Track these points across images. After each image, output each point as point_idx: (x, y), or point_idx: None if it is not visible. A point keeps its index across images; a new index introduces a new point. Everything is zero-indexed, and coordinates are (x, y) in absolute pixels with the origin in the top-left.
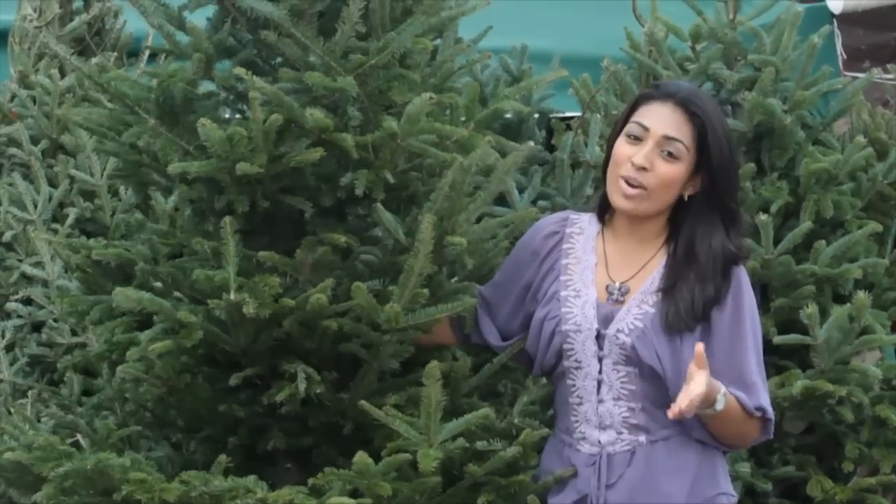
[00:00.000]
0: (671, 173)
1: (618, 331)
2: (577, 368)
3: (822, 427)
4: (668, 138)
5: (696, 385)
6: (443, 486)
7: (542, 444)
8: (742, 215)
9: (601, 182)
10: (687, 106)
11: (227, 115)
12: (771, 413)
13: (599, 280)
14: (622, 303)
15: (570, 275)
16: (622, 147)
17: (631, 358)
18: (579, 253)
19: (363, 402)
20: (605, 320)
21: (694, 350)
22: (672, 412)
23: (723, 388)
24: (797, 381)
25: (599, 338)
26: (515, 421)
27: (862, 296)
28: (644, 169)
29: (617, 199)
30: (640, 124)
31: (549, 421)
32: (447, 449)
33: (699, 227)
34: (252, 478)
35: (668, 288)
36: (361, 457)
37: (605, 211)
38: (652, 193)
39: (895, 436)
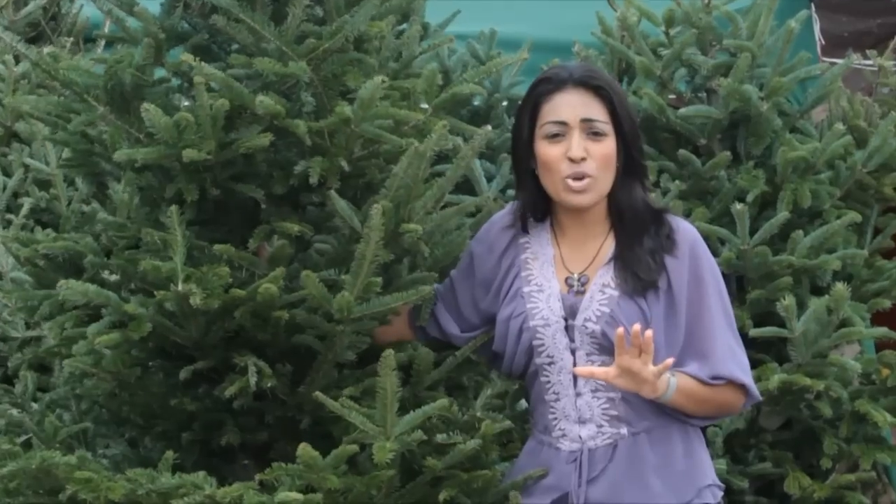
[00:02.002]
0: (606, 150)
1: (585, 320)
2: (550, 364)
3: (799, 423)
4: (587, 120)
5: (602, 372)
6: (402, 481)
7: (503, 436)
8: (647, 169)
9: (517, 182)
10: (588, 83)
11: (184, 103)
12: (742, 378)
13: (559, 273)
14: (583, 293)
15: (530, 270)
16: (549, 150)
17: (603, 346)
18: (536, 247)
19: (318, 394)
20: (572, 311)
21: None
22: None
23: (670, 383)
24: (774, 376)
25: (569, 329)
26: (478, 414)
27: (840, 287)
28: (583, 159)
29: (570, 198)
30: (554, 122)
31: (515, 416)
32: (404, 442)
33: (622, 191)
34: (201, 474)
35: (617, 256)
36: (306, 449)
37: (543, 213)
38: (598, 178)
39: (875, 431)
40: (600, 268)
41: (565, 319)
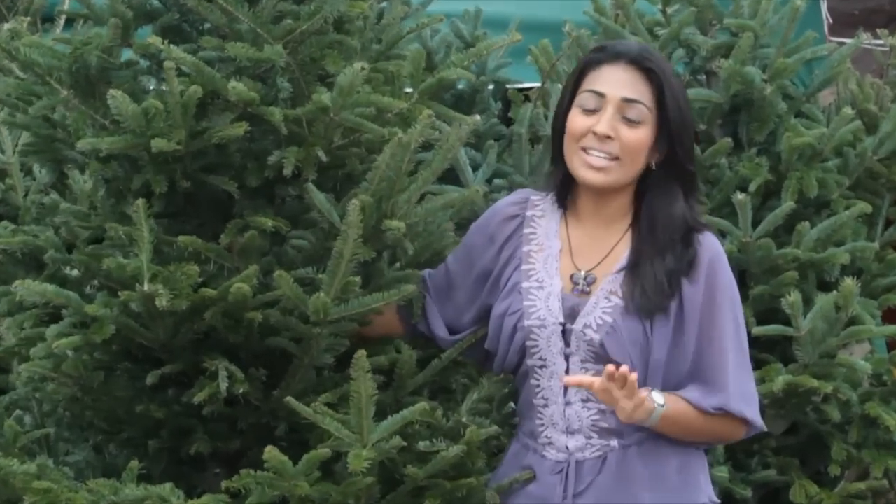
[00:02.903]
0: (637, 139)
1: (585, 326)
2: (541, 367)
3: (805, 427)
4: (627, 101)
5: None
6: (383, 490)
7: (489, 443)
8: (698, 180)
9: (553, 162)
10: (641, 63)
11: (151, 87)
12: (745, 412)
13: (564, 269)
14: (588, 293)
15: (532, 264)
16: (578, 119)
17: (600, 355)
18: (542, 239)
19: (290, 400)
20: (572, 314)
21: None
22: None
23: (654, 412)
24: (778, 377)
25: (566, 333)
26: (463, 419)
27: (849, 283)
28: (608, 138)
29: (584, 173)
30: (593, 92)
31: (502, 419)
32: (382, 449)
33: (659, 196)
34: (168, 486)
35: (632, 266)
36: (274, 454)
37: (565, 194)
38: (622, 162)
39: (886, 436)
40: (611, 272)
41: (563, 323)
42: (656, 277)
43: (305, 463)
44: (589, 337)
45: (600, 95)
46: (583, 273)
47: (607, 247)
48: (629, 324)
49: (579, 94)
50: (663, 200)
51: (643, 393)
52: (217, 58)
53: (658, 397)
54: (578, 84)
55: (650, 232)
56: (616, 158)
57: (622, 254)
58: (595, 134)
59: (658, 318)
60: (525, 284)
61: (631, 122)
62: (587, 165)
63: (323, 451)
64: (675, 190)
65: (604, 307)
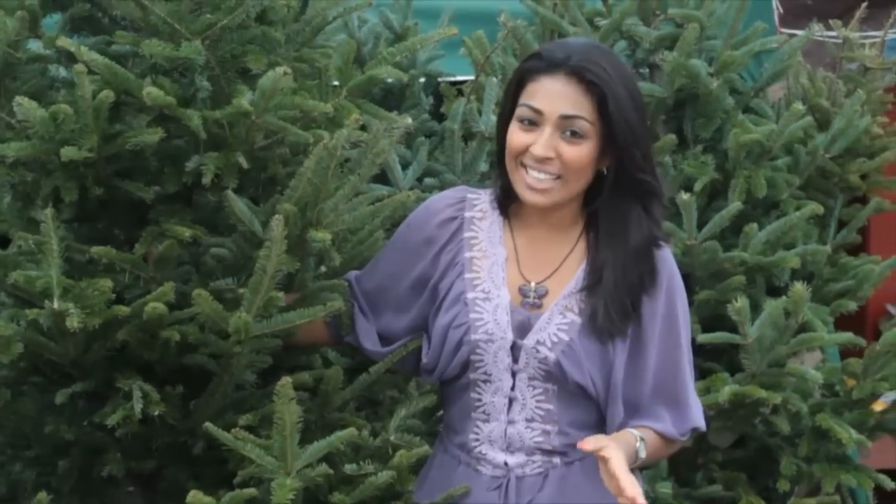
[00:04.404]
0: (579, 156)
1: (538, 342)
2: (485, 382)
3: (753, 440)
4: (566, 118)
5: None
6: None
7: (420, 465)
8: (661, 190)
9: (497, 163)
10: (582, 74)
11: (62, 75)
12: (702, 424)
13: (511, 280)
14: (539, 307)
15: (476, 272)
16: (517, 135)
17: (552, 374)
18: (485, 245)
19: (208, 425)
20: (522, 329)
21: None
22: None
23: (637, 443)
24: (724, 387)
25: (514, 348)
26: (392, 438)
27: (800, 288)
28: (548, 158)
29: (525, 194)
30: (530, 107)
31: (429, 429)
32: (307, 477)
33: (614, 209)
34: None
35: (593, 285)
36: (197, 496)
37: (506, 201)
38: (565, 181)
39: (838, 450)
40: (565, 284)
41: (513, 338)
42: (620, 300)
43: (229, 501)
44: (543, 355)
45: (538, 112)
46: (533, 285)
47: (558, 257)
48: (587, 343)
49: (519, 107)
50: (618, 212)
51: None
52: (132, 52)
53: (641, 446)
54: (518, 93)
55: (608, 247)
56: (559, 177)
57: (576, 266)
58: (533, 155)
59: (618, 341)
60: (471, 295)
61: (573, 137)
62: (528, 187)
63: (249, 492)
64: (632, 201)
65: (559, 323)
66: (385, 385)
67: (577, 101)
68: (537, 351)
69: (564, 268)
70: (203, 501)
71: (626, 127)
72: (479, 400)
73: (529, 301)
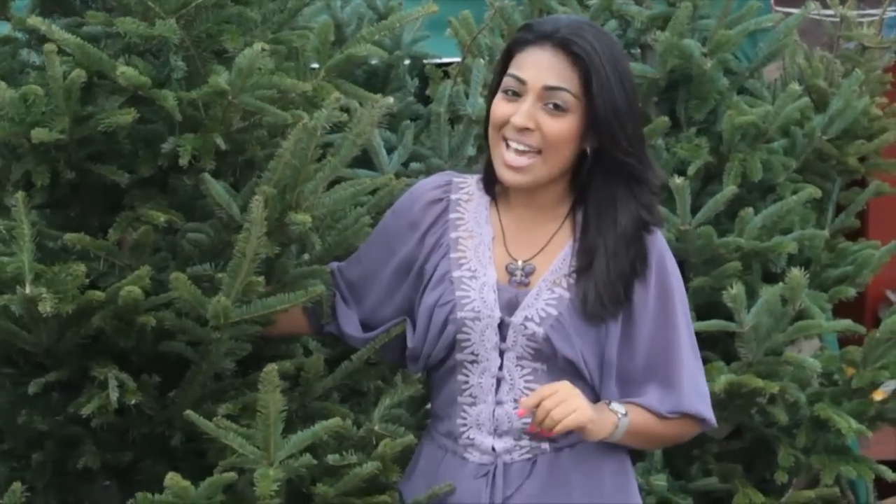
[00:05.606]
0: (560, 130)
1: (526, 318)
2: (472, 363)
3: (750, 430)
4: (549, 89)
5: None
6: None
7: (404, 455)
8: (651, 171)
9: (485, 145)
10: (569, 46)
11: (32, 60)
12: (703, 411)
13: (498, 259)
14: (527, 285)
15: (462, 251)
16: (500, 106)
17: (542, 352)
18: (471, 225)
19: (189, 413)
20: (510, 306)
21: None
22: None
23: (619, 425)
24: (720, 376)
25: (502, 327)
26: (376, 428)
27: (797, 274)
28: (527, 129)
29: (502, 173)
30: (515, 77)
31: (416, 423)
32: (290, 467)
33: (602, 190)
34: None
35: (584, 268)
36: (175, 479)
37: (493, 181)
38: (544, 158)
39: (837, 440)
40: (553, 261)
41: (501, 315)
42: (612, 287)
43: (208, 487)
44: (531, 331)
45: (521, 81)
46: (520, 263)
47: (545, 236)
48: (578, 322)
49: (505, 77)
50: (607, 193)
51: (601, 404)
52: (104, 33)
53: (619, 407)
54: (506, 66)
55: (598, 231)
56: (538, 152)
57: (564, 245)
58: (513, 125)
59: (610, 322)
60: (456, 273)
61: (555, 110)
62: (505, 164)
63: (228, 476)
64: (617, 184)
65: (547, 299)
66: (370, 375)
67: (563, 73)
68: (525, 327)
69: (552, 245)
70: (181, 485)
71: (609, 106)
72: (466, 382)
73: (517, 279)
